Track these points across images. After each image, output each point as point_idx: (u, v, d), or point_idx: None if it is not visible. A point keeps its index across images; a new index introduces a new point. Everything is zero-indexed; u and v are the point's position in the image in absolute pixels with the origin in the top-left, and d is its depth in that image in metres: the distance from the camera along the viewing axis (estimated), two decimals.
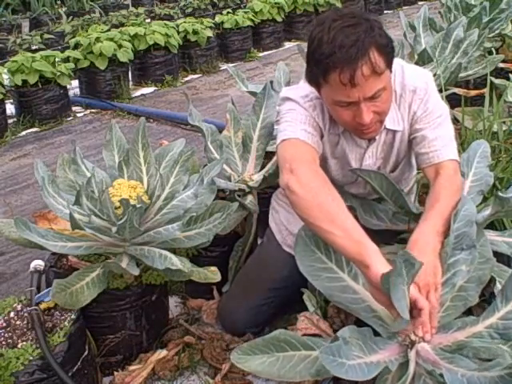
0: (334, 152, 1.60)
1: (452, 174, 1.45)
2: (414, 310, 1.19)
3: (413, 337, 1.22)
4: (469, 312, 1.34)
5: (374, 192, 1.59)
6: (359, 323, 1.30)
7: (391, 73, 1.40)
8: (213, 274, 1.77)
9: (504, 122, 2.46)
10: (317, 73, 1.34)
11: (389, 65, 1.36)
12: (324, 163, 1.60)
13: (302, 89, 1.53)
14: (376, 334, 1.25)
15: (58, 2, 8.83)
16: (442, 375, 1.12)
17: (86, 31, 5.51)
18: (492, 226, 1.72)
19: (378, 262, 1.18)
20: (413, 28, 3.53)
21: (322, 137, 1.54)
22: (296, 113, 1.50)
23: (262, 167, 2.17)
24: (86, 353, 1.61)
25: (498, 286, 1.43)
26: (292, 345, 1.22)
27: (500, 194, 1.37)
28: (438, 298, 1.24)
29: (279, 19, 6.91)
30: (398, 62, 1.52)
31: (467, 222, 1.31)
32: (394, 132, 1.55)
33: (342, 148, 1.58)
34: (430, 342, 1.22)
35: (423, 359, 1.21)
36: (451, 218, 1.31)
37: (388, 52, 1.34)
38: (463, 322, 1.27)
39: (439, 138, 1.48)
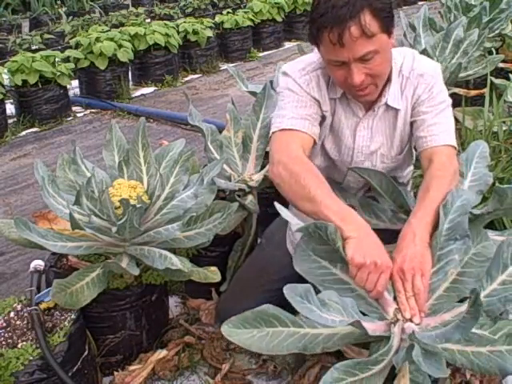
0: (331, 124, 1.60)
1: (444, 160, 1.46)
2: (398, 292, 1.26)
3: (400, 317, 1.25)
4: None
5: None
6: None
7: (390, 38, 1.40)
8: (213, 274, 1.77)
9: (504, 122, 2.46)
10: (312, 32, 1.39)
11: (385, 29, 1.36)
12: (322, 146, 1.62)
13: (301, 61, 1.58)
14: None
15: (58, 2, 8.83)
16: (414, 334, 1.16)
17: (86, 31, 5.52)
18: (492, 225, 1.72)
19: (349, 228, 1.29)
20: (413, 28, 3.53)
21: (321, 112, 1.55)
22: (290, 94, 1.53)
23: (262, 167, 2.17)
24: (85, 353, 1.61)
25: None
26: (281, 321, 1.26)
27: (497, 185, 1.38)
28: (426, 284, 1.26)
29: (279, 19, 6.91)
30: (410, 51, 1.57)
31: (461, 213, 1.32)
32: (396, 111, 1.56)
33: (338, 118, 1.59)
34: (419, 324, 1.25)
35: (407, 335, 1.24)
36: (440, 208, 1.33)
37: (384, 16, 1.35)
38: (452, 305, 1.31)
39: (438, 124, 1.50)
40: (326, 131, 1.61)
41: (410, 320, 1.25)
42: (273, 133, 1.53)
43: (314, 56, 1.57)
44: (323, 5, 1.34)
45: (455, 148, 1.51)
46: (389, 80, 1.52)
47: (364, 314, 1.28)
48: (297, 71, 1.55)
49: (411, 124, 1.57)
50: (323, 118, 1.57)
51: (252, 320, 1.25)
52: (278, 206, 1.31)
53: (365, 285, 1.27)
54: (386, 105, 1.55)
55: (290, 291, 1.17)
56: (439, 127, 1.50)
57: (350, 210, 1.35)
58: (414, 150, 1.72)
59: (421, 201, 1.40)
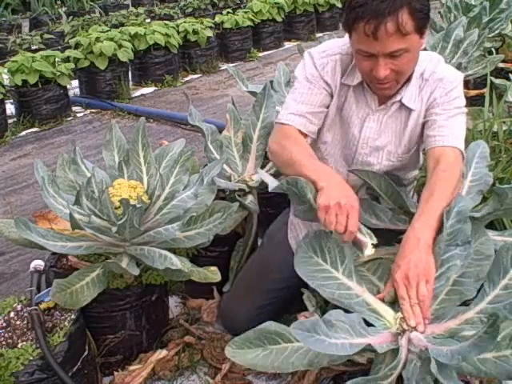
0: (341, 110, 1.63)
1: (452, 161, 1.47)
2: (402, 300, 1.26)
3: (405, 326, 1.24)
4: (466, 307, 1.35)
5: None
6: None
7: (422, 39, 1.42)
8: (213, 273, 1.76)
9: (504, 122, 2.46)
10: (348, 19, 1.41)
11: (418, 30, 1.38)
12: (325, 131, 1.66)
13: (324, 45, 1.65)
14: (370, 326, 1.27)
15: (58, 2, 8.82)
16: (429, 357, 1.14)
17: (86, 31, 5.52)
18: (492, 225, 1.72)
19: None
20: None
21: (329, 99, 1.61)
22: (303, 80, 1.61)
23: (262, 167, 2.17)
24: (85, 353, 1.61)
25: None
26: (284, 337, 1.25)
27: (497, 186, 1.37)
28: (430, 291, 1.27)
29: (279, 19, 6.91)
30: (437, 57, 1.59)
31: (461, 219, 1.32)
32: (410, 111, 1.57)
33: (349, 105, 1.61)
34: (423, 332, 1.24)
35: (415, 346, 1.23)
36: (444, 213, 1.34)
37: (420, 17, 1.37)
38: (456, 310, 1.30)
39: (449, 127, 1.51)
40: (333, 117, 1.63)
41: (415, 328, 1.23)
42: (276, 123, 1.64)
43: (338, 42, 1.62)
44: None
45: (462, 153, 1.52)
46: (408, 80, 1.54)
47: (369, 325, 1.26)
48: (317, 53, 1.61)
49: (423, 125, 1.58)
50: (329, 103, 1.63)
51: (254, 339, 1.24)
52: (260, 171, 1.48)
53: (335, 228, 1.29)
54: (401, 103, 1.56)
55: (297, 329, 1.11)
56: (450, 130, 1.51)
57: (325, 166, 1.47)
58: (422, 154, 1.72)
59: (424, 203, 1.40)
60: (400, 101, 1.56)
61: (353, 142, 1.63)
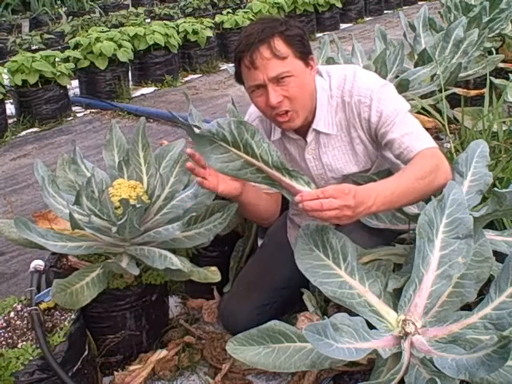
0: (288, 161, 1.66)
1: (428, 155, 1.43)
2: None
3: (407, 328, 1.23)
4: (468, 310, 1.34)
5: None
6: None
7: (308, 68, 1.49)
8: (213, 273, 1.76)
9: (504, 122, 2.46)
10: (235, 67, 1.50)
11: (298, 55, 1.45)
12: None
13: (247, 113, 1.73)
14: (372, 328, 1.25)
15: (58, 2, 8.85)
16: (432, 361, 1.13)
17: (86, 31, 5.52)
18: (492, 225, 1.72)
19: None
20: (413, 28, 3.53)
21: None
22: None
23: None
24: (85, 353, 1.61)
25: None
26: (287, 336, 1.24)
27: (496, 189, 1.36)
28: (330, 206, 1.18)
29: None
30: (352, 70, 1.57)
31: (459, 207, 1.29)
32: (350, 137, 1.59)
33: (289, 153, 1.68)
34: (424, 334, 1.23)
35: (417, 350, 1.21)
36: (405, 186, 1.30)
37: (295, 43, 1.45)
38: (458, 314, 1.28)
39: (406, 136, 1.48)
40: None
41: (414, 328, 1.22)
42: None
43: (253, 108, 1.66)
44: (240, 38, 1.47)
45: (435, 147, 1.48)
46: (316, 107, 1.56)
47: (371, 327, 1.24)
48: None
49: (385, 145, 1.55)
50: None
51: (258, 337, 1.23)
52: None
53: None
54: (317, 131, 1.58)
55: (309, 331, 1.07)
56: (408, 137, 1.48)
57: None
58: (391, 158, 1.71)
59: (391, 177, 1.37)
60: (314, 128, 1.58)
61: (312, 179, 1.62)
